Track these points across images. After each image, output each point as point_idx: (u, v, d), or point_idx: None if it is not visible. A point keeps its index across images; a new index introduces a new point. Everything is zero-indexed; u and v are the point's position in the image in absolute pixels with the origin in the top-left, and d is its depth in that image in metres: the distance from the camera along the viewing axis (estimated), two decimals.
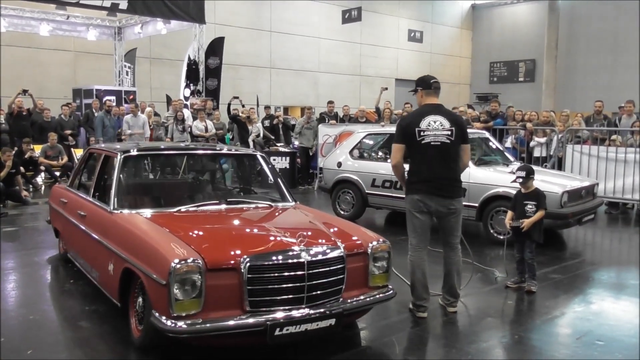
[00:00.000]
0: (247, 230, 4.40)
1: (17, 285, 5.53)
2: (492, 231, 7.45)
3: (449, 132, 4.49)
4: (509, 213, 5.56)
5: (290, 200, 5.11)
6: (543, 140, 10.85)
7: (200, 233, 4.06)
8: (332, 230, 4.23)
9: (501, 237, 7.32)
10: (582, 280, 6.02)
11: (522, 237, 5.44)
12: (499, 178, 7.44)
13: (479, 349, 4.12)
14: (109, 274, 4.27)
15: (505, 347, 4.24)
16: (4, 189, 9.53)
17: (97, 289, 5.10)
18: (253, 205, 4.93)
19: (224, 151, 6.15)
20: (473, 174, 7.54)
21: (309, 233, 4.02)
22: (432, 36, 28.99)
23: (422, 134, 4.47)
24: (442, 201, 4.53)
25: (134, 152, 5.08)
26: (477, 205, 7.48)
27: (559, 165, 10.41)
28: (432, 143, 4.47)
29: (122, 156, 4.83)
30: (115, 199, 4.54)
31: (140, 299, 3.88)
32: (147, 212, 4.45)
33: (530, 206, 5.38)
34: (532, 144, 10.96)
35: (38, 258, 6.44)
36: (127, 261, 3.91)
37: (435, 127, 4.48)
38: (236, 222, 4.52)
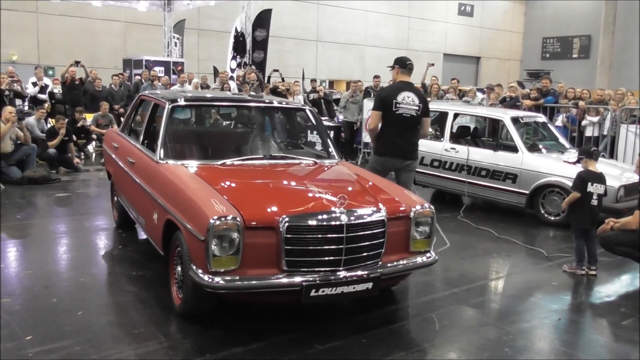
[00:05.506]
0: (289, 188, 4.35)
1: (69, 249, 5.75)
2: (542, 211, 7.23)
3: (417, 107, 5.38)
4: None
5: (336, 157, 5.10)
6: (596, 119, 10.48)
7: (242, 189, 4.06)
8: (375, 191, 4.17)
9: (552, 219, 7.16)
10: (632, 262, 5.84)
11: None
12: (553, 166, 7.16)
13: (520, 329, 4.08)
14: (154, 223, 4.39)
15: (548, 328, 4.17)
16: (58, 156, 9.89)
17: (145, 255, 5.27)
18: (297, 161, 4.91)
19: (273, 104, 5.82)
20: (526, 160, 7.30)
21: (351, 194, 3.99)
22: (483, 10, 28.21)
23: (397, 105, 5.32)
24: (404, 161, 5.45)
25: (182, 102, 5.10)
26: (527, 192, 7.20)
27: (612, 145, 10.05)
28: (404, 114, 5.34)
29: (170, 106, 4.86)
30: (162, 149, 4.59)
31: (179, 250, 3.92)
32: (193, 164, 4.49)
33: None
34: (584, 122, 10.61)
35: (89, 223, 6.67)
36: (170, 213, 3.98)
37: (407, 102, 5.34)
38: (279, 178, 4.48)
